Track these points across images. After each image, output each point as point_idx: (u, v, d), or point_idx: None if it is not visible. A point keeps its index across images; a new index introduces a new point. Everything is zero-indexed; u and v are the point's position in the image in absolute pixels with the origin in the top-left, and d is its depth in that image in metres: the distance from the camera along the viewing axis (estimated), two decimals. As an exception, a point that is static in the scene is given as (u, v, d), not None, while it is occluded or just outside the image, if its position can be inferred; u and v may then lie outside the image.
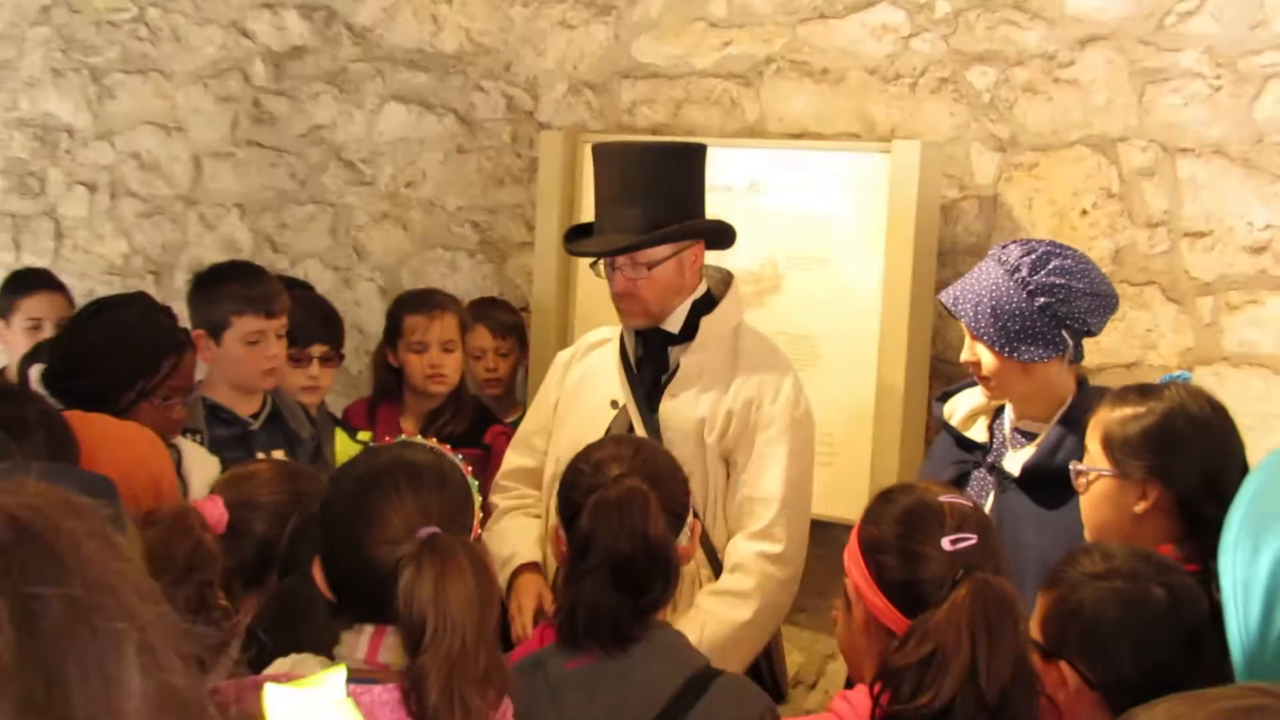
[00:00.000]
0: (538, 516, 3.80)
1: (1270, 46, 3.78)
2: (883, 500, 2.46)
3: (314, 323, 4.24)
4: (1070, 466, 2.93)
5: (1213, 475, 2.66)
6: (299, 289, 4.62)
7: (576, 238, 3.82)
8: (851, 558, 2.43)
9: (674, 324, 3.69)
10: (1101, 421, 2.85)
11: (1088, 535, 2.89)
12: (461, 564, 2.04)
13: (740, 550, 3.56)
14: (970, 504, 2.43)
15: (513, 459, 3.93)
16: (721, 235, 3.75)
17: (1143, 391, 2.84)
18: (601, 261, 3.67)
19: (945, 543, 2.30)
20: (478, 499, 2.29)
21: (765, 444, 3.60)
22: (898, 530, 2.36)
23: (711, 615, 3.44)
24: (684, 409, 3.63)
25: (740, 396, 3.61)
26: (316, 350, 4.28)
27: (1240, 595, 2.08)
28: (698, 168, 3.73)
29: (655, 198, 3.61)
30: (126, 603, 1.11)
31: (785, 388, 3.64)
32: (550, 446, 3.80)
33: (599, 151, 3.75)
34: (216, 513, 2.57)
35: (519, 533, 3.75)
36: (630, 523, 2.61)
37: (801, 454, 3.65)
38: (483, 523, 2.42)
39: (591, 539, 2.62)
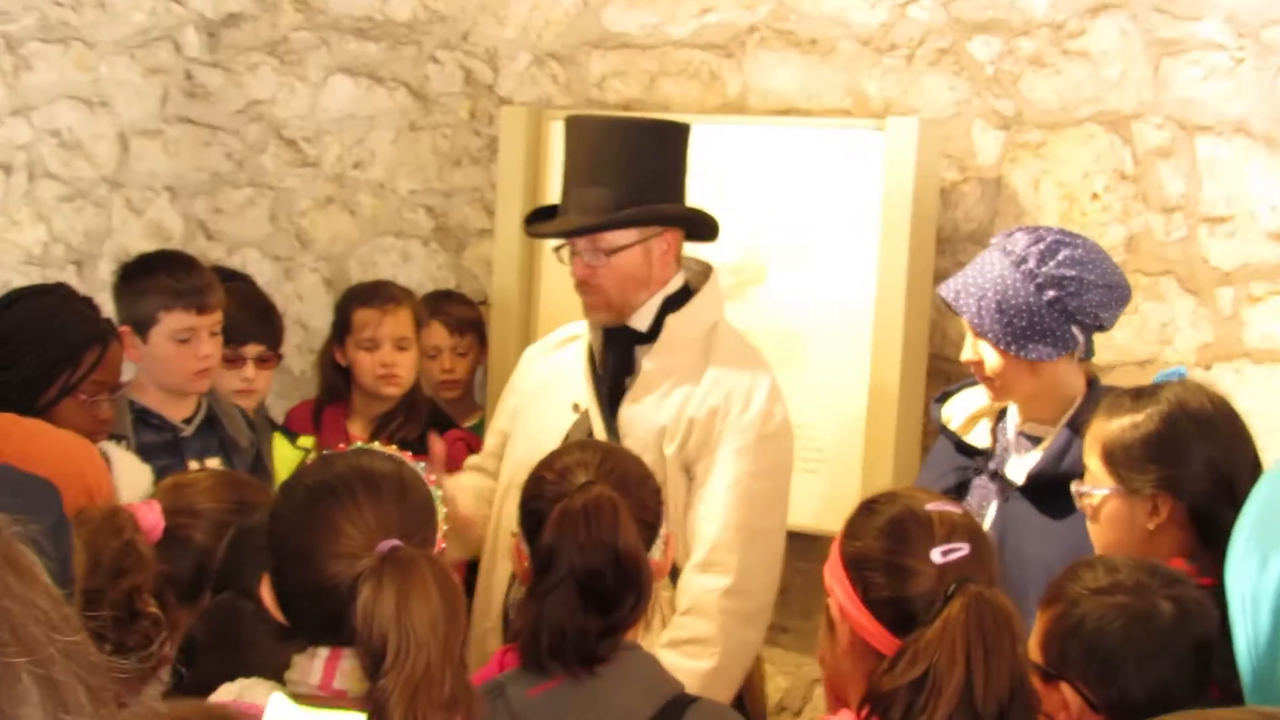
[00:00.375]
0: (490, 486, 3.85)
1: (1296, 15, 3.81)
2: (865, 511, 2.46)
3: (248, 319, 4.23)
4: (1072, 488, 2.97)
5: (1225, 478, 2.70)
6: (235, 281, 4.61)
7: (540, 220, 3.83)
8: (834, 575, 2.43)
9: (641, 321, 3.69)
10: (1098, 435, 2.88)
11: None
12: (426, 579, 2.04)
13: (692, 587, 3.53)
14: (960, 510, 2.44)
15: (475, 458, 4.00)
16: (701, 225, 3.75)
17: (1137, 396, 2.87)
18: (566, 247, 3.69)
19: (935, 555, 2.31)
20: (442, 510, 2.30)
21: (726, 459, 3.59)
22: (884, 544, 2.36)
23: (674, 671, 3.37)
24: (645, 415, 3.64)
25: (706, 404, 3.61)
26: (251, 350, 4.27)
27: (1249, 609, 2.11)
28: (677, 149, 3.73)
29: (625, 178, 3.61)
30: (26, 633, 1.06)
31: (758, 397, 3.62)
32: (507, 450, 3.83)
33: (571, 125, 3.77)
34: (152, 518, 2.59)
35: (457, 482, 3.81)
36: (598, 533, 2.61)
37: (770, 473, 3.63)
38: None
39: (555, 552, 2.62)
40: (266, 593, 2.22)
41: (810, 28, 4.46)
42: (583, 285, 3.66)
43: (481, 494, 3.84)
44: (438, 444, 3.68)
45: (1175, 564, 2.67)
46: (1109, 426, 2.86)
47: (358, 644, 2.04)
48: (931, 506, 2.40)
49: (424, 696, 1.98)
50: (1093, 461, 2.89)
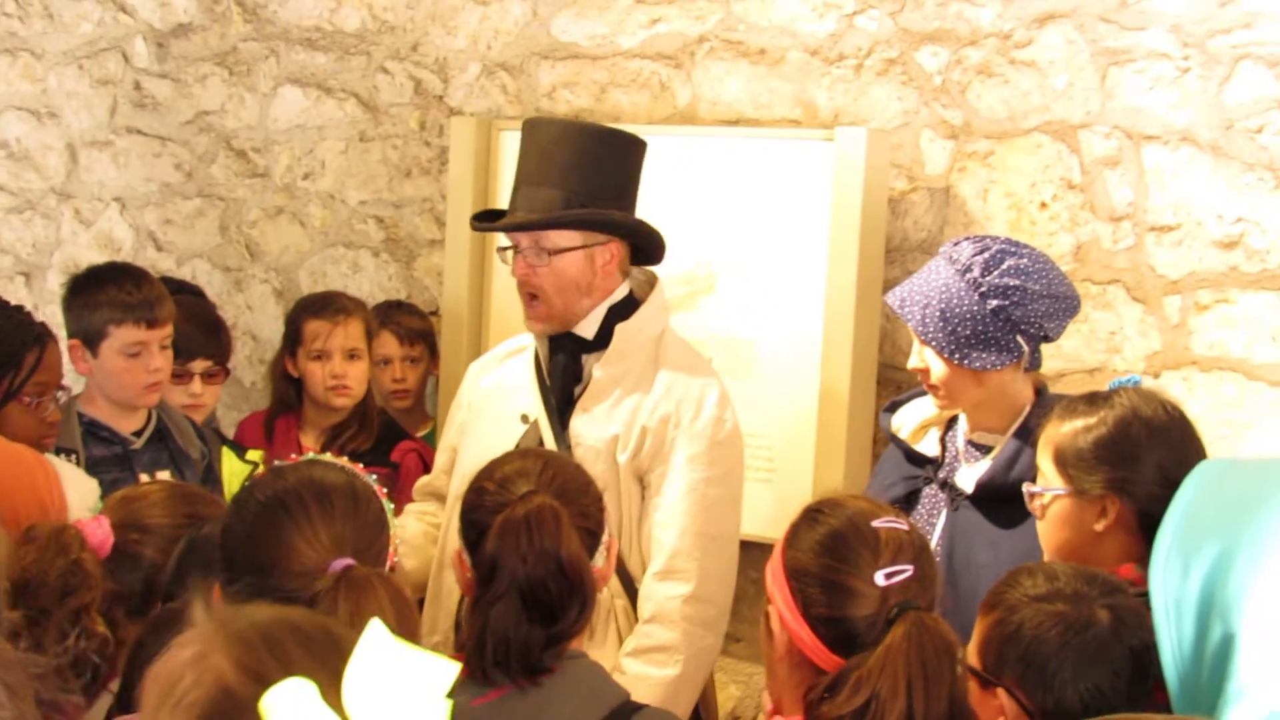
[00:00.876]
0: (434, 524, 3.82)
1: (1241, 25, 3.82)
2: (809, 521, 2.43)
3: (196, 334, 4.19)
4: (1024, 489, 2.96)
5: (1175, 483, 2.69)
6: (187, 294, 4.58)
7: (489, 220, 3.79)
8: (776, 582, 2.41)
9: (587, 329, 3.66)
10: (1051, 438, 2.88)
11: (1048, 560, 2.89)
12: (380, 599, 2.05)
13: (654, 595, 3.52)
14: (906, 526, 2.41)
15: (425, 478, 3.98)
16: (647, 243, 3.71)
17: (1091, 400, 2.88)
18: (510, 249, 3.66)
19: (879, 577, 2.29)
20: (394, 523, 2.31)
21: (679, 466, 3.57)
22: (826, 561, 2.34)
23: (640, 680, 3.40)
24: (596, 424, 3.61)
25: (658, 412, 3.59)
26: (199, 366, 4.25)
27: (1173, 616, 2.12)
28: (630, 161, 3.70)
29: (575, 181, 3.57)
30: None
31: (709, 403, 3.61)
32: (456, 463, 3.79)
33: (527, 126, 3.73)
34: (100, 534, 2.56)
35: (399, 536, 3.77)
36: (540, 543, 2.60)
37: (723, 479, 3.62)
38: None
39: (498, 562, 2.61)
40: (217, 603, 2.18)
41: (759, 38, 4.45)
42: (523, 286, 3.62)
43: (428, 536, 3.82)
44: None
45: (1124, 571, 2.67)
46: (1062, 429, 2.86)
47: None
48: (878, 523, 2.37)
49: None
50: (1045, 462, 2.89)
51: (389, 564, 2.27)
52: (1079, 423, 2.84)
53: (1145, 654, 2.30)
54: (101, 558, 2.59)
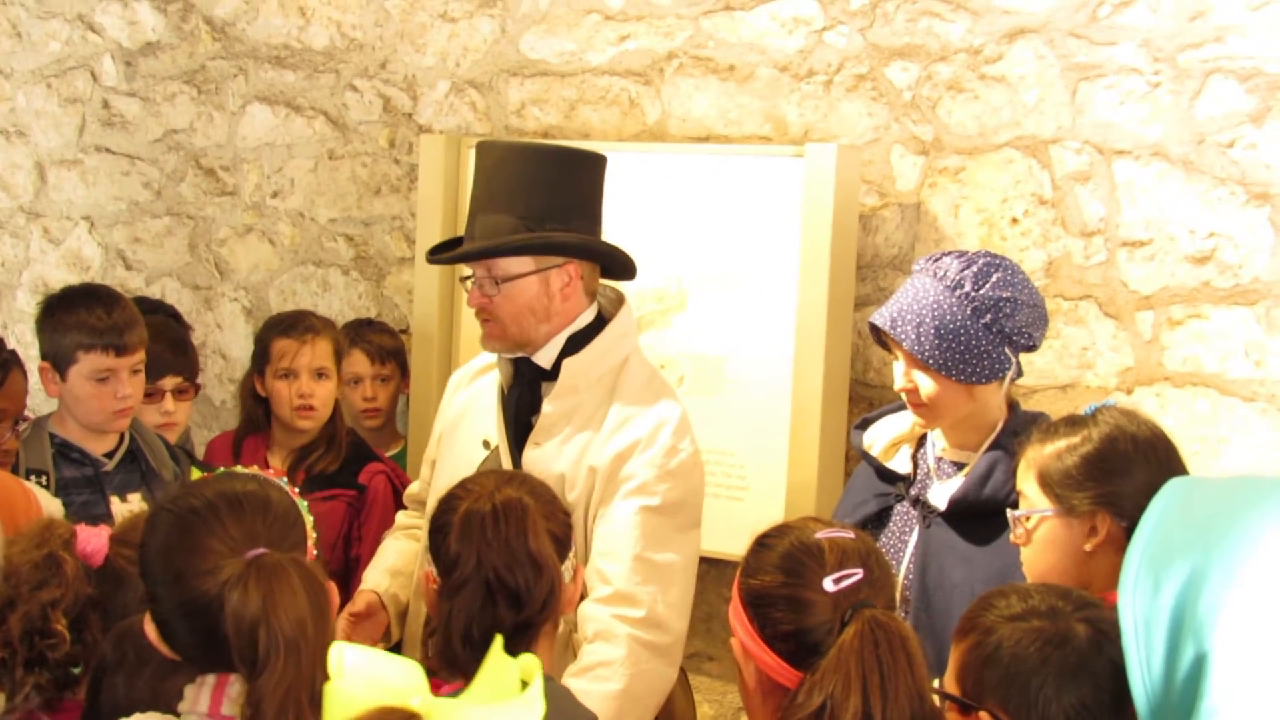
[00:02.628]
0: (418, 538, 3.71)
1: (1211, 39, 3.79)
2: (758, 548, 2.45)
3: (163, 352, 4.13)
4: (1008, 515, 2.92)
5: None
6: (163, 314, 4.51)
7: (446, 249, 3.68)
8: (735, 615, 2.43)
9: (545, 358, 3.49)
10: (1033, 460, 2.84)
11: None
12: (291, 581, 2.10)
13: (598, 615, 3.30)
14: (851, 534, 2.43)
15: (413, 486, 3.91)
16: (607, 260, 3.56)
17: (1072, 422, 2.85)
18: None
19: (827, 583, 2.31)
20: (309, 519, 2.33)
21: (624, 495, 3.37)
22: (778, 579, 2.37)
23: (582, 697, 3.28)
24: (545, 461, 3.43)
25: (608, 450, 3.40)
26: (169, 383, 4.20)
27: (1142, 635, 2.11)
28: (587, 178, 3.53)
29: (526, 205, 3.42)
30: None
31: (663, 435, 3.40)
32: (433, 481, 3.71)
33: (479, 149, 3.59)
34: (95, 543, 2.56)
35: (382, 558, 3.72)
36: (507, 533, 2.58)
37: (672, 509, 3.39)
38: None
39: (461, 553, 2.59)
40: (149, 626, 2.24)
41: (728, 54, 4.40)
42: (478, 313, 3.49)
43: (416, 557, 3.72)
44: None
45: (1112, 597, 2.62)
46: (1044, 450, 2.83)
47: (233, 652, 2.08)
48: (822, 535, 2.40)
49: (296, 695, 2.05)
50: (1028, 486, 2.85)
51: (308, 557, 2.29)
52: (1062, 443, 2.81)
53: (1125, 667, 2.25)
54: (94, 566, 2.58)
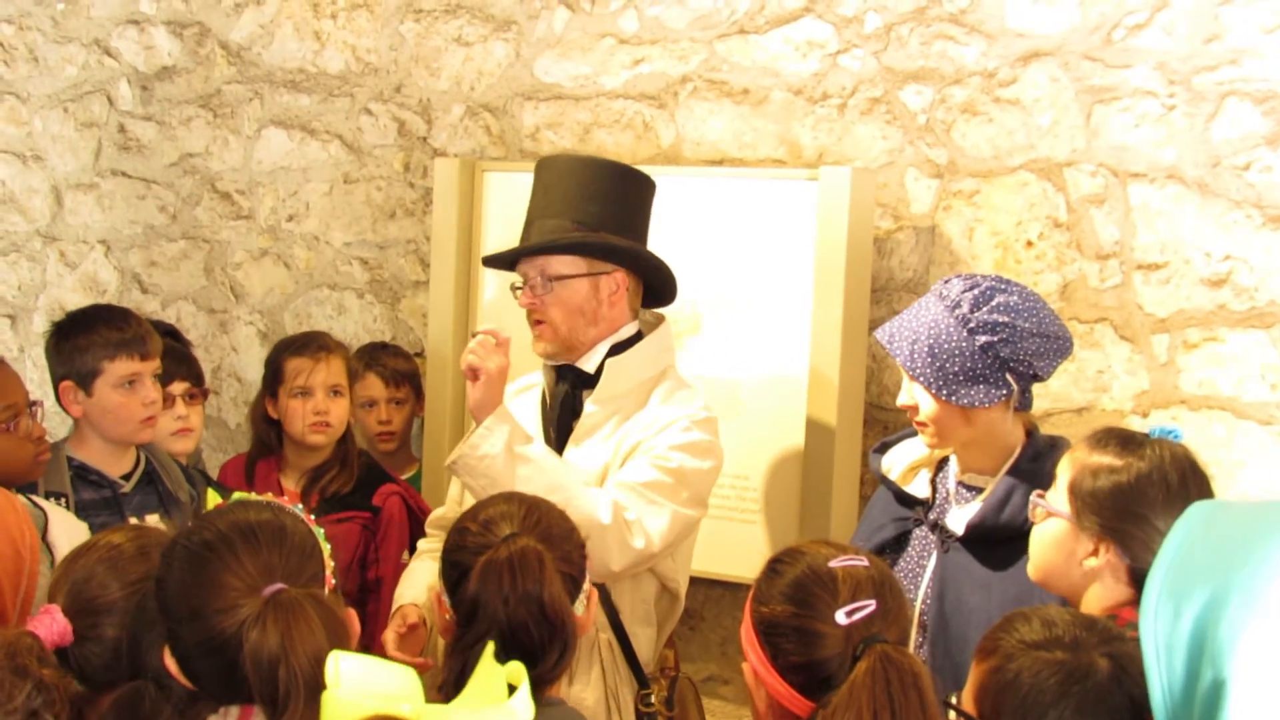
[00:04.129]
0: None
1: (1226, 61, 3.76)
2: (770, 574, 2.43)
3: (165, 359, 4.12)
4: (1032, 495, 2.89)
5: None
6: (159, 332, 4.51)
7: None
8: (748, 641, 2.42)
9: (589, 364, 3.60)
10: (1077, 461, 2.81)
11: (1030, 572, 2.88)
12: (309, 617, 2.08)
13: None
14: (865, 563, 2.40)
15: (438, 510, 3.90)
16: (655, 274, 3.65)
17: (1125, 443, 2.79)
18: (522, 281, 3.59)
19: (840, 615, 2.29)
20: (326, 547, 2.29)
21: (642, 455, 3.47)
22: (789, 608, 2.35)
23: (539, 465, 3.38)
24: (587, 458, 3.55)
25: (629, 442, 3.52)
26: (178, 388, 4.19)
27: (1164, 659, 2.07)
28: (637, 195, 3.65)
29: (581, 211, 3.53)
30: None
31: (680, 421, 3.51)
32: (461, 495, 3.72)
33: (540, 164, 3.69)
34: (57, 630, 2.46)
35: (414, 577, 3.71)
36: (523, 585, 2.57)
37: (683, 479, 3.46)
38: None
39: (479, 603, 2.58)
40: (169, 660, 2.20)
41: (742, 78, 4.38)
42: (530, 314, 3.57)
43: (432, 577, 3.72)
44: None
45: (1126, 614, 2.59)
46: (1090, 459, 2.79)
47: (254, 690, 2.06)
48: (835, 563, 2.37)
49: None
50: (1062, 479, 2.83)
51: (326, 587, 2.26)
52: (1106, 460, 2.76)
53: (1145, 702, 2.21)
54: (65, 645, 2.48)
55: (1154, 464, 2.73)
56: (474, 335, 3.49)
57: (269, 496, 2.37)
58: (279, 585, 2.12)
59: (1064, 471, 2.83)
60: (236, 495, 4.07)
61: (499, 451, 3.36)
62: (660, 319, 3.72)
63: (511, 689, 2.16)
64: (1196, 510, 2.32)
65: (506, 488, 3.29)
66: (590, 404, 3.58)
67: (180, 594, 2.17)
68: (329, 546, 2.30)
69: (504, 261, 3.67)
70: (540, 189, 3.62)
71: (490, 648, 2.41)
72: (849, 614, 2.29)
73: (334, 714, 1.95)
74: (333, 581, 2.26)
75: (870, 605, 2.30)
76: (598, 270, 3.56)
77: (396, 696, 1.94)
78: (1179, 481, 2.73)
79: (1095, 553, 2.74)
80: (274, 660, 2.03)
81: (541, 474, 3.35)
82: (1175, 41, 3.81)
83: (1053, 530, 2.81)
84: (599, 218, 3.55)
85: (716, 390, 4.09)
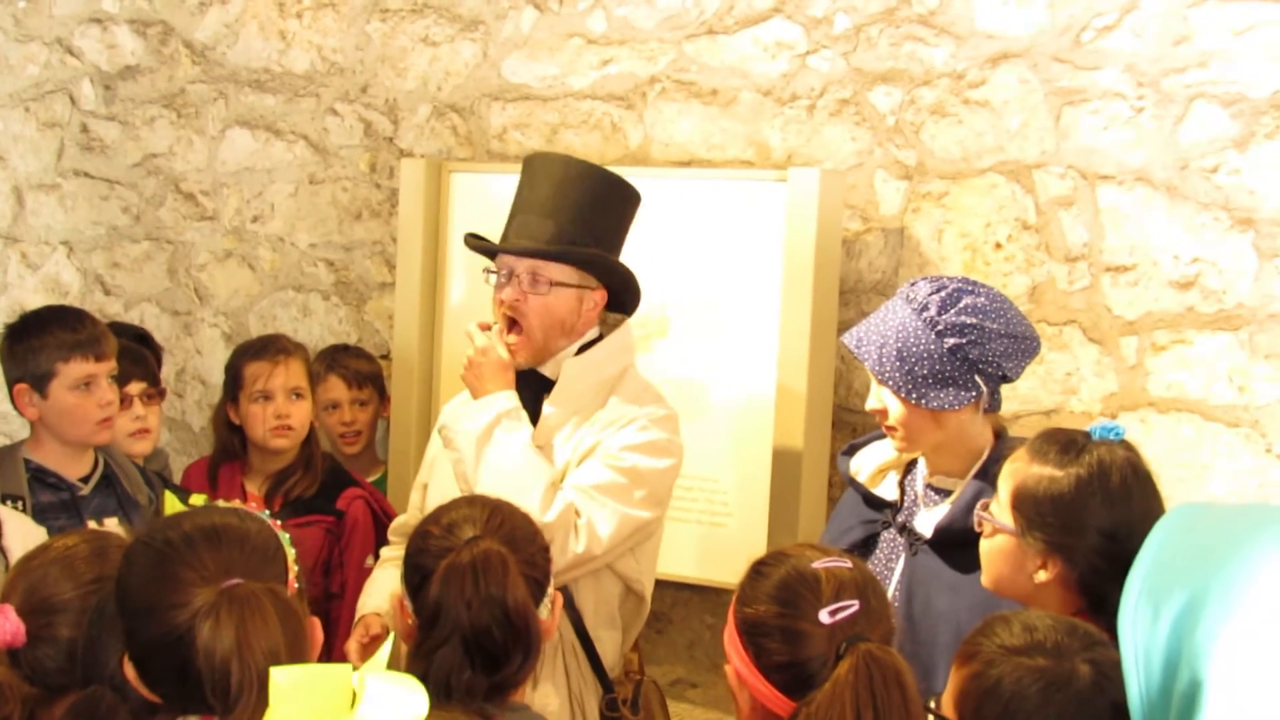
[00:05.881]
0: None
1: (1195, 64, 3.77)
2: (754, 575, 2.44)
3: (122, 362, 4.09)
4: (978, 505, 2.89)
5: (1117, 558, 2.60)
6: (125, 336, 4.48)
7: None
8: (731, 643, 2.42)
9: (552, 369, 3.58)
10: (1017, 473, 2.79)
11: (984, 581, 2.87)
12: (265, 611, 2.03)
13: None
14: (848, 564, 2.41)
15: (401, 518, 3.88)
16: (629, 291, 3.65)
17: (1065, 449, 2.77)
18: (496, 270, 3.57)
19: (823, 615, 2.31)
20: (291, 552, 2.26)
21: (598, 457, 3.46)
22: (774, 609, 2.36)
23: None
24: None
25: (587, 442, 3.51)
26: (135, 388, 4.17)
27: (1142, 662, 2.09)
28: (628, 211, 3.63)
29: (577, 220, 3.51)
30: None
31: (638, 420, 3.50)
32: (425, 501, 3.70)
33: (532, 159, 3.65)
34: (9, 629, 2.43)
35: (377, 585, 3.69)
36: (486, 589, 2.56)
37: (638, 479, 3.45)
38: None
39: (442, 607, 2.57)
40: (128, 666, 2.16)
41: (711, 78, 4.37)
42: (510, 311, 3.54)
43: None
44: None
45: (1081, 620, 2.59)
46: (1030, 470, 2.77)
47: (206, 688, 2.01)
48: (819, 564, 2.39)
49: None
50: (1004, 492, 2.81)
51: (289, 588, 2.21)
52: (1045, 470, 2.74)
53: (1127, 709, 2.21)
54: (17, 646, 2.45)
55: (1093, 470, 2.71)
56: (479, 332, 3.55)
57: (236, 502, 2.34)
58: (235, 580, 2.08)
59: (1005, 482, 2.81)
60: (195, 498, 4.07)
61: (477, 430, 3.39)
62: (620, 319, 3.71)
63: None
64: (1176, 513, 2.32)
65: (471, 467, 3.35)
66: (549, 405, 3.55)
67: (138, 590, 2.14)
68: (294, 552, 2.27)
69: (489, 248, 3.64)
70: (531, 185, 3.59)
71: None
72: (832, 613, 2.30)
73: None
74: (295, 586, 2.22)
75: (853, 605, 2.32)
76: (587, 285, 3.55)
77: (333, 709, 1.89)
78: (1120, 485, 2.71)
79: (1044, 566, 2.73)
80: (226, 655, 1.99)
81: (503, 462, 3.35)
82: (1144, 44, 3.82)
83: (1000, 545, 2.80)
84: (587, 229, 3.53)
85: (684, 392, 4.08)
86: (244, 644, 1.99)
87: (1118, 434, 2.79)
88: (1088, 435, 2.78)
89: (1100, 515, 2.69)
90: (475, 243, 3.68)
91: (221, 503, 2.35)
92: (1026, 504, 2.75)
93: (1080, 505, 2.70)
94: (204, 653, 2.00)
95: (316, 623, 2.24)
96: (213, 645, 2.00)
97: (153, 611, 2.09)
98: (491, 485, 3.26)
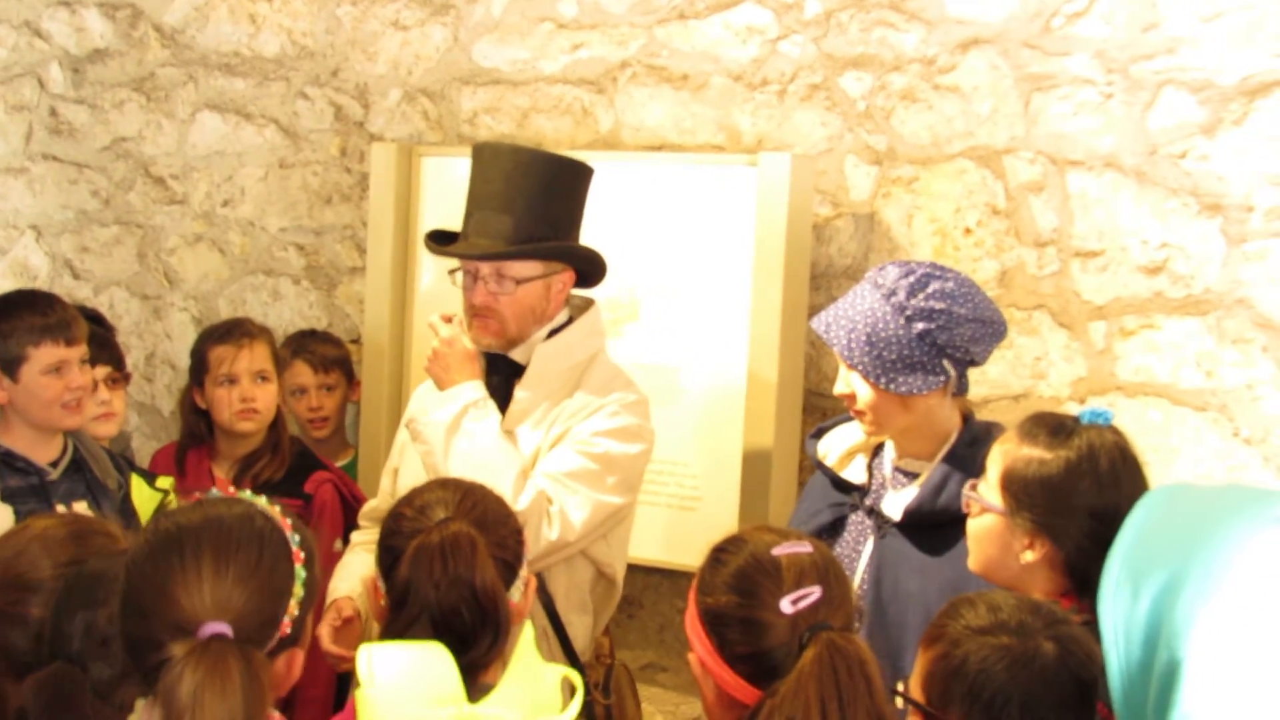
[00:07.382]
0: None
1: (1164, 50, 3.78)
2: (713, 563, 2.43)
3: (88, 346, 4.09)
4: (966, 486, 2.89)
5: (1107, 539, 2.62)
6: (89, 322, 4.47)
7: (438, 245, 3.69)
8: (693, 630, 2.42)
9: (523, 355, 3.59)
10: (1008, 454, 2.80)
11: (971, 564, 2.87)
12: (230, 676, 2.01)
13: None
14: (809, 549, 2.40)
15: (371, 502, 3.88)
16: (594, 268, 3.66)
17: (1055, 432, 2.78)
18: (462, 270, 3.57)
19: (785, 604, 2.30)
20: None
21: (568, 443, 3.49)
22: (734, 599, 2.35)
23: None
24: (518, 445, 3.53)
25: (557, 428, 3.53)
26: (100, 372, 4.14)
27: (1121, 640, 2.08)
28: (581, 190, 3.64)
29: (533, 211, 3.51)
30: None
31: (608, 406, 3.53)
32: (396, 485, 3.71)
33: (481, 150, 3.64)
34: None
35: (348, 569, 3.69)
36: (455, 570, 2.57)
37: (609, 464, 3.48)
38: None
39: (411, 587, 2.58)
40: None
41: (682, 63, 4.37)
42: (482, 310, 3.55)
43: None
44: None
45: (1066, 602, 2.61)
46: (1020, 451, 2.78)
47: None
48: (779, 550, 2.38)
49: None
50: (993, 473, 2.82)
51: (280, 631, 2.17)
52: (1035, 452, 2.75)
53: (1091, 685, 2.23)
54: None
55: (1082, 453, 2.73)
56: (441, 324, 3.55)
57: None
58: (218, 628, 2.05)
59: (994, 463, 2.83)
60: (162, 481, 4.06)
61: (445, 420, 3.39)
62: (589, 302, 3.72)
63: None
64: (1157, 493, 2.33)
65: (440, 458, 3.36)
66: (520, 390, 3.56)
67: (138, 585, 2.13)
68: (301, 535, 2.24)
69: (449, 254, 3.64)
70: (483, 178, 3.58)
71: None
72: (794, 602, 2.29)
73: (374, 716, 1.88)
74: (289, 628, 2.18)
75: (815, 592, 2.31)
76: (552, 272, 3.56)
77: (440, 699, 1.87)
78: (1109, 469, 2.73)
79: (1031, 546, 2.74)
80: (183, 705, 1.97)
81: (473, 452, 3.36)
82: (1114, 30, 3.83)
83: (988, 525, 2.81)
84: (544, 217, 3.53)
85: (655, 377, 4.08)
86: (198, 704, 1.98)
87: (1106, 419, 2.82)
88: (1077, 419, 2.80)
89: (1089, 497, 2.70)
90: (437, 249, 3.67)
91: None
92: (1016, 484, 2.76)
93: (1069, 487, 2.72)
94: (163, 693, 2.00)
95: (298, 656, 2.22)
96: (172, 690, 1.99)
97: (142, 615, 2.10)
98: (462, 475, 3.27)
